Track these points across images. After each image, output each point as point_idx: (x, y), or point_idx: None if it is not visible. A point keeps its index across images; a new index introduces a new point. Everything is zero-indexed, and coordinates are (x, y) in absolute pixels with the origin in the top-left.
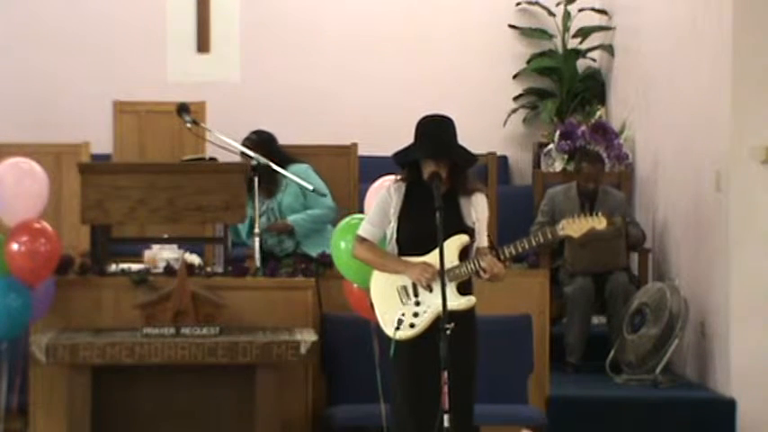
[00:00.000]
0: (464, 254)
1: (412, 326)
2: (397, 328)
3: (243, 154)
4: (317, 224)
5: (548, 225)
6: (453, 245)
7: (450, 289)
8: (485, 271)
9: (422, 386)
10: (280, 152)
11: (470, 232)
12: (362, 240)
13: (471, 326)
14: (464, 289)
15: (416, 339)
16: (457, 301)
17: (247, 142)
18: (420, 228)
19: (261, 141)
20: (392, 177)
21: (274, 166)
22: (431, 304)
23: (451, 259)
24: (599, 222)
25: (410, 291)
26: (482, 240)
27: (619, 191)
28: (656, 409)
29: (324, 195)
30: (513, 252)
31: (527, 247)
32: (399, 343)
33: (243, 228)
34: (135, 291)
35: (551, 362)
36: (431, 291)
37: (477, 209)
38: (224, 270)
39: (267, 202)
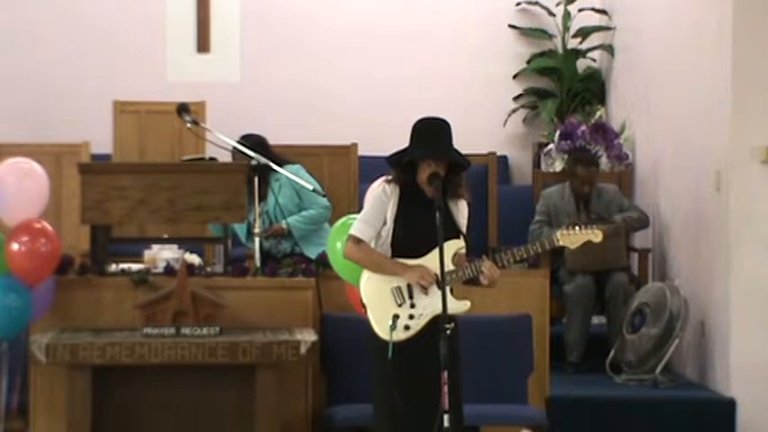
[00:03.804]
0: (454, 258)
1: (407, 328)
2: (392, 330)
3: (239, 153)
4: (313, 224)
5: (546, 225)
6: (449, 249)
7: (447, 293)
8: (484, 275)
9: (415, 388)
10: (271, 155)
11: (463, 236)
12: (358, 241)
13: (456, 328)
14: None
15: (410, 341)
16: (454, 305)
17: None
18: (416, 230)
19: (250, 146)
20: (383, 178)
21: (274, 166)
22: (426, 306)
23: (447, 264)
24: (595, 236)
25: (405, 292)
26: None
27: (610, 183)
28: (656, 409)
29: (324, 195)
30: (511, 260)
31: (524, 255)
32: (394, 345)
33: (241, 231)
34: (135, 291)
35: (551, 362)
36: (426, 293)
37: (464, 214)
38: (224, 270)
39: (261, 204)
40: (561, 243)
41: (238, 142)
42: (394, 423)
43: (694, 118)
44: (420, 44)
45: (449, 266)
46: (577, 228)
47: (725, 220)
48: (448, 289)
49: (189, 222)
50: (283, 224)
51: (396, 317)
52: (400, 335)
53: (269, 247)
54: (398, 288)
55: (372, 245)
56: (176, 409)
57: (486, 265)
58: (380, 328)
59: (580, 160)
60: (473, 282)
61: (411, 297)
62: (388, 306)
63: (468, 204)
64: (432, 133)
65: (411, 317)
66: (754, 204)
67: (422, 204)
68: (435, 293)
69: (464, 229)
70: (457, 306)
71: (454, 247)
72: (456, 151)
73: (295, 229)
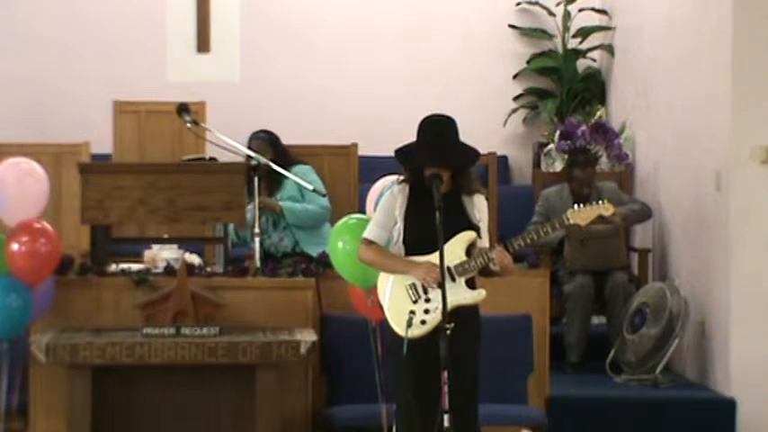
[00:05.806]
0: (471, 251)
1: (423, 323)
2: (409, 326)
3: (252, 151)
4: (308, 219)
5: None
6: (461, 241)
7: (460, 284)
8: (494, 262)
9: (433, 384)
10: (286, 152)
11: (477, 229)
12: (369, 243)
13: (477, 323)
14: (472, 284)
15: (427, 337)
16: (468, 295)
17: (257, 141)
18: (426, 227)
19: (271, 141)
20: (394, 178)
21: (275, 167)
22: (441, 300)
23: (459, 255)
24: (606, 209)
25: (419, 289)
26: (484, 241)
27: (609, 182)
28: (656, 409)
29: (324, 195)
30: (522, 244)
31: (535, 238)
32: (411, 341)
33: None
34: (135, 291)
35: (551, 362)
36: (439, 287)
37: (481, 209)
38: (224, 270)
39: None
40: (572, 221)
41: (257, 137)
42: (410, 420)
43: (694, 118)
44: (420, 44)
45: (462, 258)
46: (587, 205)
47: (725, 220)
48: (463, 281)
49: (189, 222)
50: (279, 203)
51: (411, 313)
52: (415, 331)
53: (269, 246)
54: (413, 285)
55: (389, 246)
56: (176, 409)
57: (496, 252)
58: (398, 326)
59: (576, 163)
60: (487, 272)
61: (426, 292)
62: (403, 304)
63: (486, 198)
64: (434, 134)
65: (426, 311)
66: (754, 204)
67: (431, 201)
68: (450, 285)
69: (482, 224)
70: (472, 296)
71: (466, 238)
72: (462, 148)
73: (288, 212)
